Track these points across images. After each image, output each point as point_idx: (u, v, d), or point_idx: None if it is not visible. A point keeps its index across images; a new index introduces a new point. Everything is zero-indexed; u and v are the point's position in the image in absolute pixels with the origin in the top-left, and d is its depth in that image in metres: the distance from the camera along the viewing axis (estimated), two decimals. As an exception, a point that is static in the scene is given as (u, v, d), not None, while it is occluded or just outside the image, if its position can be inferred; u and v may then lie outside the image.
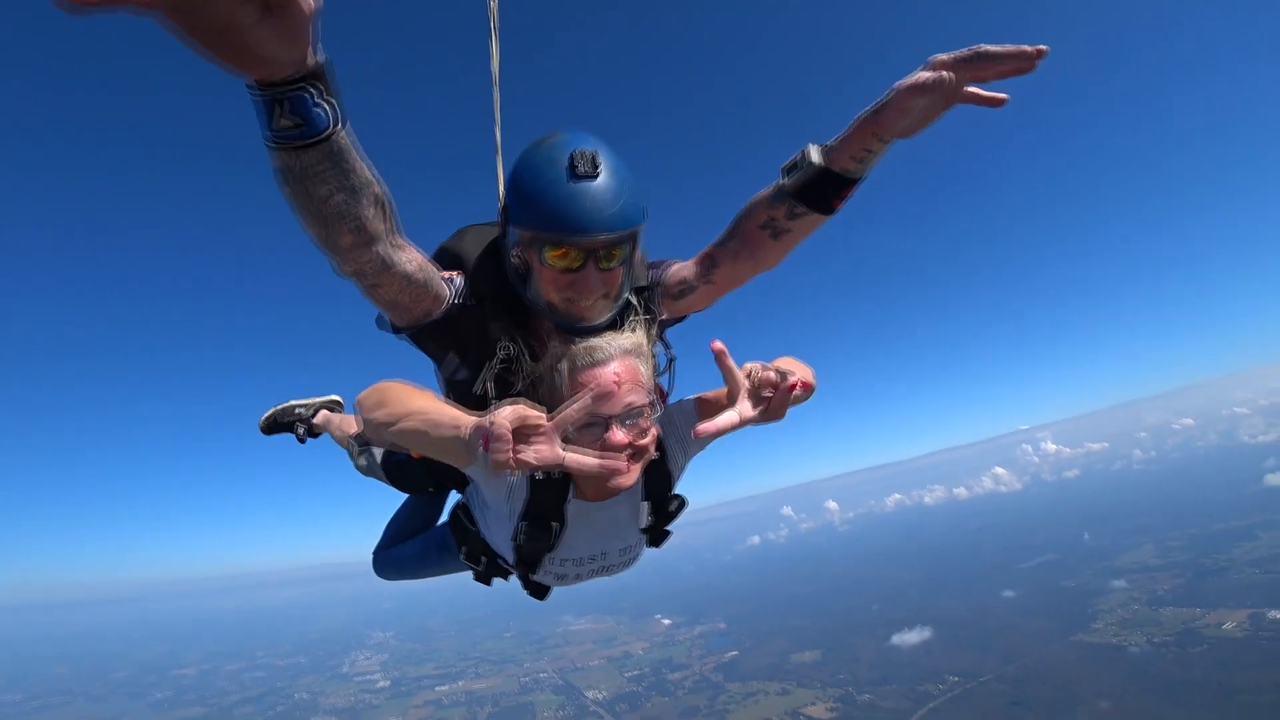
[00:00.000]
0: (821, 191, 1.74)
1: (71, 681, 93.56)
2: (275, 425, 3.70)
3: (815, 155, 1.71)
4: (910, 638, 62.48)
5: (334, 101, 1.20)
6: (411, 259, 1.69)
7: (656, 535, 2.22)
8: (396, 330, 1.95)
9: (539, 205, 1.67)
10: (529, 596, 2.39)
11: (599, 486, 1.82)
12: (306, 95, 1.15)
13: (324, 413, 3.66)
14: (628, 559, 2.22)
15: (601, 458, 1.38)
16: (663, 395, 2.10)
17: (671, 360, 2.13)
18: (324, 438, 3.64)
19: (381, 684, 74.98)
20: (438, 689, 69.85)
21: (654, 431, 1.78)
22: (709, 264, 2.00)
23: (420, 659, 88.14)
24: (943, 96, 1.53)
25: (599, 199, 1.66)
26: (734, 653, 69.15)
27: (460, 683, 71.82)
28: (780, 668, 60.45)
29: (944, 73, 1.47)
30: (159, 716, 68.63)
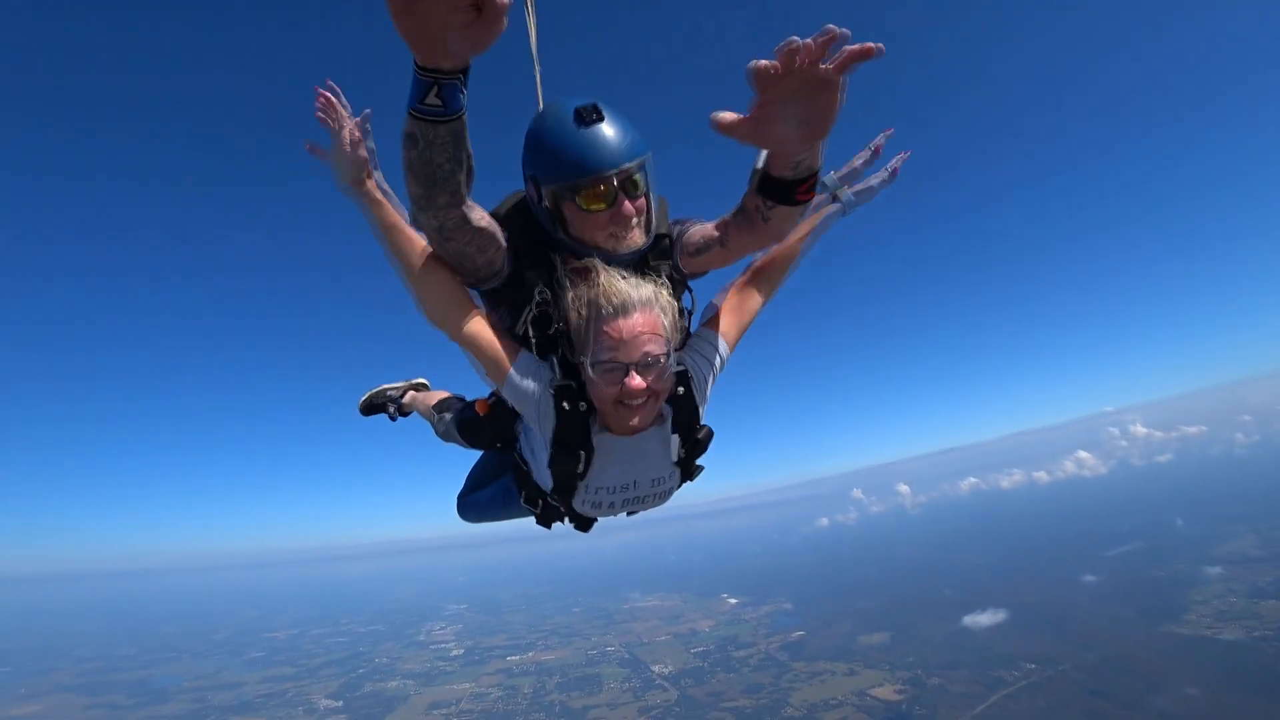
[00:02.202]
0: (779, 190, 1.85)
1: (178, 639, 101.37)
2: (372, 407, 4.11)
3: (760, 160, 1.85)
4: (982, 619, 60.67)
5: (466, 92, 1.56)
6: (481, 215, 1.97)
7: (688, 468, 2.38)
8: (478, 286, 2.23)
9: (565, 159, 1.90)
10: (576, 530, 2.66)
11: (622, 422, 2.02)
12: (456, 84, 1.52)
13: (411, 393, 3.99)
14: (660, 491, 2.37)
15: None
16: (687, 336, 2.32)
17: (694, 304, 2.40)
18: (413, 417, 4.00)
19: (455, 652, 77.97)
20: (508, 659, 72.10)
21: (670, 376, 2.02)
22: (724, 231, 2.13)
23: (492, 630, 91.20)
24: (808, 94, 1.48)
25: (611, 137, 1.90)
26: (800, 632, 68.72)
27: (530, 653, 73.90)
28: (847, 649, 59.80)
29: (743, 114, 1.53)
30: (253, 673, 73.26)
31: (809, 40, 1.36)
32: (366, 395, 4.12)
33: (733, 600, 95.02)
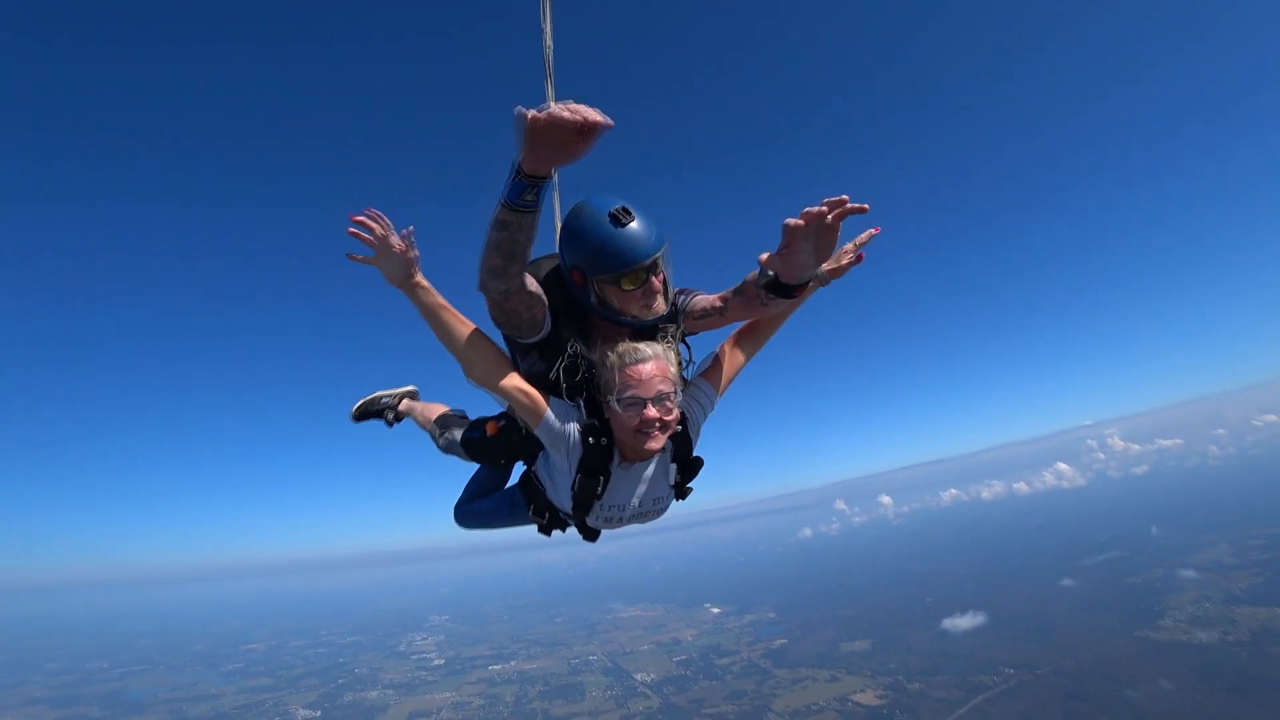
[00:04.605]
0: (784, 290, 2.37)
1: (154, 651, 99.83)
2: (365, 413, 4.29)
3: (771, 269, 2.34)
4: (962, 623, 61.36)
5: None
6: (532, 282, 2.46)
7: (681, 490, 2.89)
8: (519, 340, 2.66)
9: (610, 255, 2.34)
10: (583, 540, 3.10)
11: (636, 450, 2.48)
12: (548, 185, 2.00)
13: (406, 401, 4.21)
14: (659, 508, 2.86)
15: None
16: (684, 383, 2.78)
17: (691, 357, 2.89)
18: (407, 425, 4.20)
19: (437, 662, 77.49)
20: (490, 668, 71.78)
21: (677, 412, 2.50)
22: (726, 304, 2.67)
23: (474, 640, 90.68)
24: (818, 235, 2.07)
25: (643, 233, 2.36)
26: (783, 641, 68.98)
27: (512, 663, 73.61)
28: (829, 656, 60.06)
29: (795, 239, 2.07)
30: (230, 685, 72.27)
31: (824, 208, 1.98)
32: (360, 402, 4.29)
33: (716, 610, 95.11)
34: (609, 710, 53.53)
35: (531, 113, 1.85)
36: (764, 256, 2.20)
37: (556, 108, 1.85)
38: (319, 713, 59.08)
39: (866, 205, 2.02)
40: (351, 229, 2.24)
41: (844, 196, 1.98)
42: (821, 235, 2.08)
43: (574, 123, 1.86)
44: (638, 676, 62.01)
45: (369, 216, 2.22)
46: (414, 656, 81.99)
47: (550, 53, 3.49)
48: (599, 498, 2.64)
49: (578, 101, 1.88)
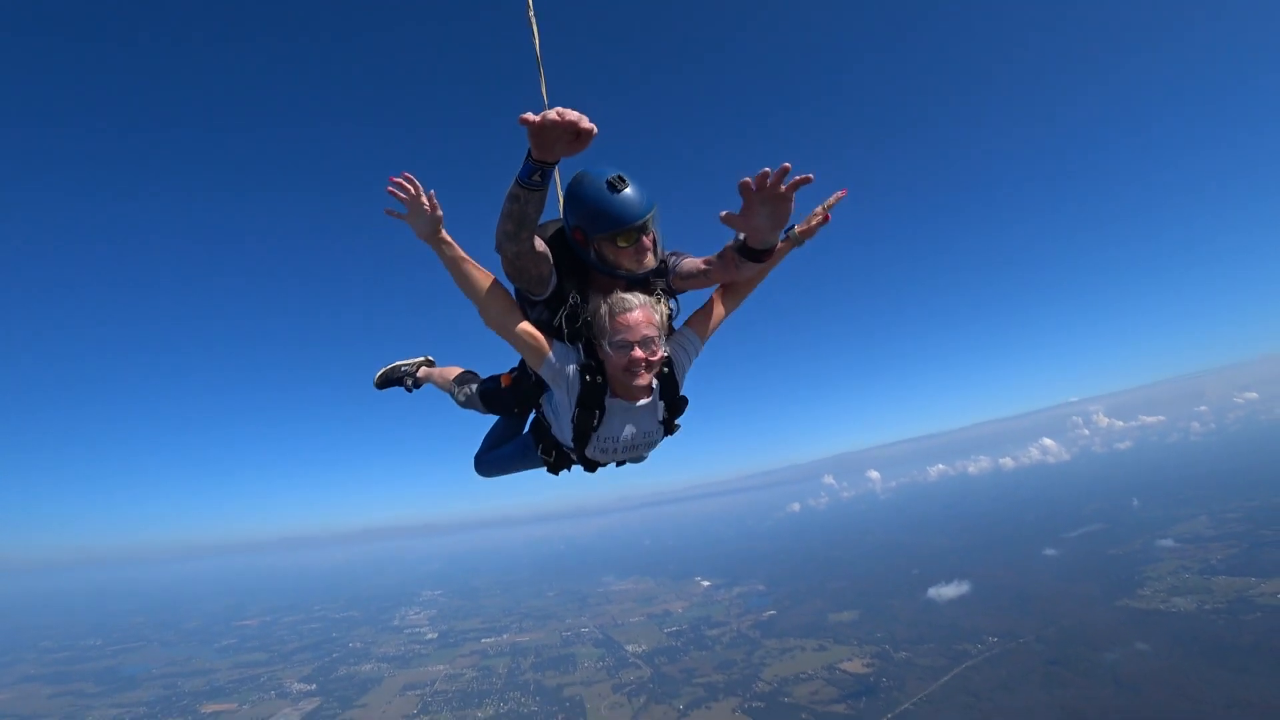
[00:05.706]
0: (752, 254, 2.75)
1: (147, 629, 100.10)
2: (387, 381, 4.73)
3: (740, 236, 2.73)
4: (947, 593, 62.54)
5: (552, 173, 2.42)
6: (540, 244, 2.80)
7: (669, 426, 3.26)
8: (530, 295, 3.00)
9: (608, 217, 2.67)
10: (585, 472, 3.47)
11: (627, 387, 2.85)
12: (551, 170, 2.36)
13: (424, 368, 4.64)
14: (650, 441, 3.24)
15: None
16: (671, 330, 3.14)
17: (678, 309, 3.21)
18: (428, 388, 4.61)
19: (430, 636, 78.21)
20: (483, 641, 72.69)
21: (662, 353, 2.85)
22: (708, 267, 3.02)
23: (467, 614, 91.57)
24: (773, 203, 2.37)
25: (636, 198, 2.68)
26: (772, 612, 70.03)
27: (505, 636, 74.54)
28: (818, 626, 61.07)
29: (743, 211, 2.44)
30: (224, 660, 72.88)
31: (772, 171, 2.24)
32: (382, 370, 4.72)
33: (706, 582, 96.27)
34: (601, 680, 54.36)
35: (527, 116, 2.14)
36: (723, 214, 2.50)
37: (550, 114, 2.13)
38: (314, 685, 59.68)
39: (811, 175, 2.30)
40: (390, 188, 2.56)
41: (786, 165, 2.23)
42: (775, 204, 2.38)
43: (558, 125, 2.14)
44: (629, 648, 62.93)
45: (404, 179, 2.54)
46: (407, 630, 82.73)
47: (539, 49, 3.70)
48: (595, 430, 3.02)
49: (571, 105, 2.16)
